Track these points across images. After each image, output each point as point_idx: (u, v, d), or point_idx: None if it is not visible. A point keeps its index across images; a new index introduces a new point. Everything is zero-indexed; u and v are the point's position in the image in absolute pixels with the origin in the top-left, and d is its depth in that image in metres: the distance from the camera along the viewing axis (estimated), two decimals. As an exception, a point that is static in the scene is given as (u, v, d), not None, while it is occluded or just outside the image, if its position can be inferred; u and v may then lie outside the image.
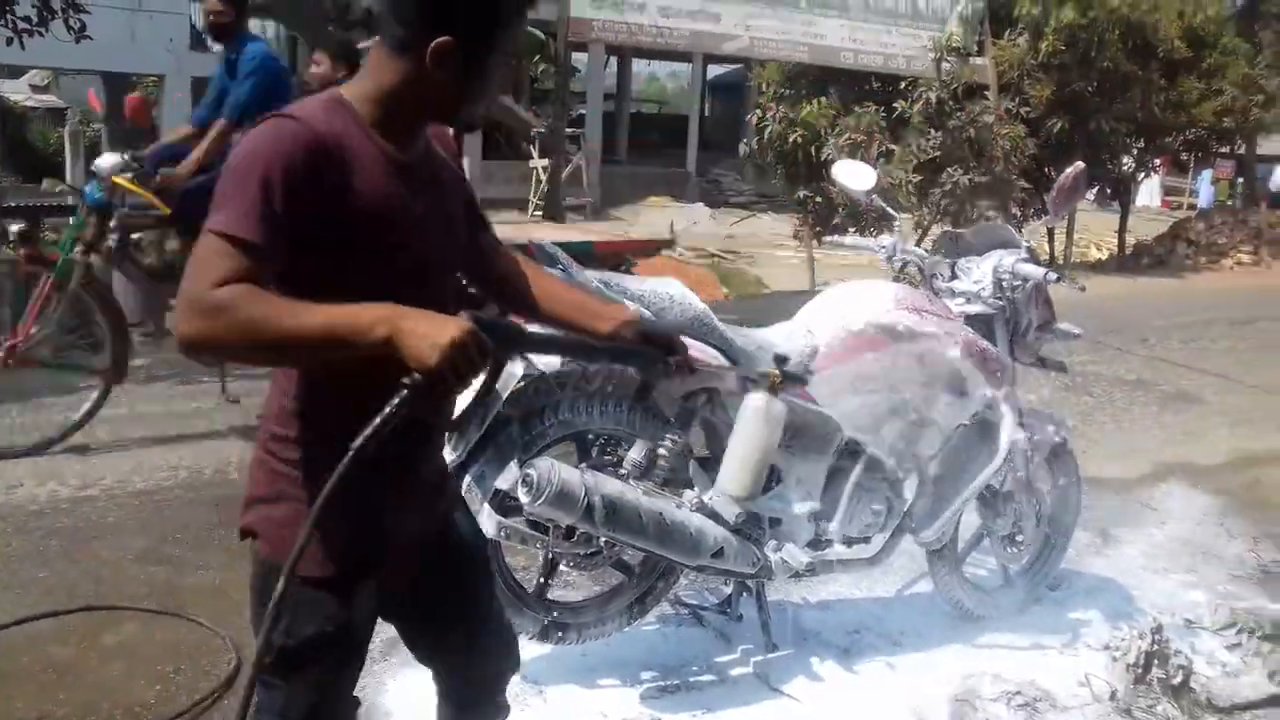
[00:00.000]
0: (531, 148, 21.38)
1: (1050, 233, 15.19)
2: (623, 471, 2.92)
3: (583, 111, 26.35)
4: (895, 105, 13.00)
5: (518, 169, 22.22)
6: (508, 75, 2.04)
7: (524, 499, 2.66)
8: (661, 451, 2.94)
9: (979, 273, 3.38)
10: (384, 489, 1.68)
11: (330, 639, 1.66)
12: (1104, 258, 18.42)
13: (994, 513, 3.60)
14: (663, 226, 21.89)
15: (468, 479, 2.79)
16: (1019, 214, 15.04)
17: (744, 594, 3.40)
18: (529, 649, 3.10)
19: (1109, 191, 16.89)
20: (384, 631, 3.28)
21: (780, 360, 2.65)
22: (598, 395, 2.94)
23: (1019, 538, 3.64)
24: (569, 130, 25.04)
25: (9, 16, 8.81)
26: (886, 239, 3.50)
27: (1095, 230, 20.47)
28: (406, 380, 1.42)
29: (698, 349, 2.81)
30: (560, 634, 3.07)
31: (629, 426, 2.96)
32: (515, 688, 3.02)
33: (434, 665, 2.01)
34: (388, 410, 1.43)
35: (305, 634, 1.63)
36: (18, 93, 22.24)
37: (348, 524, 1.61)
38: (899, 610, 3.73)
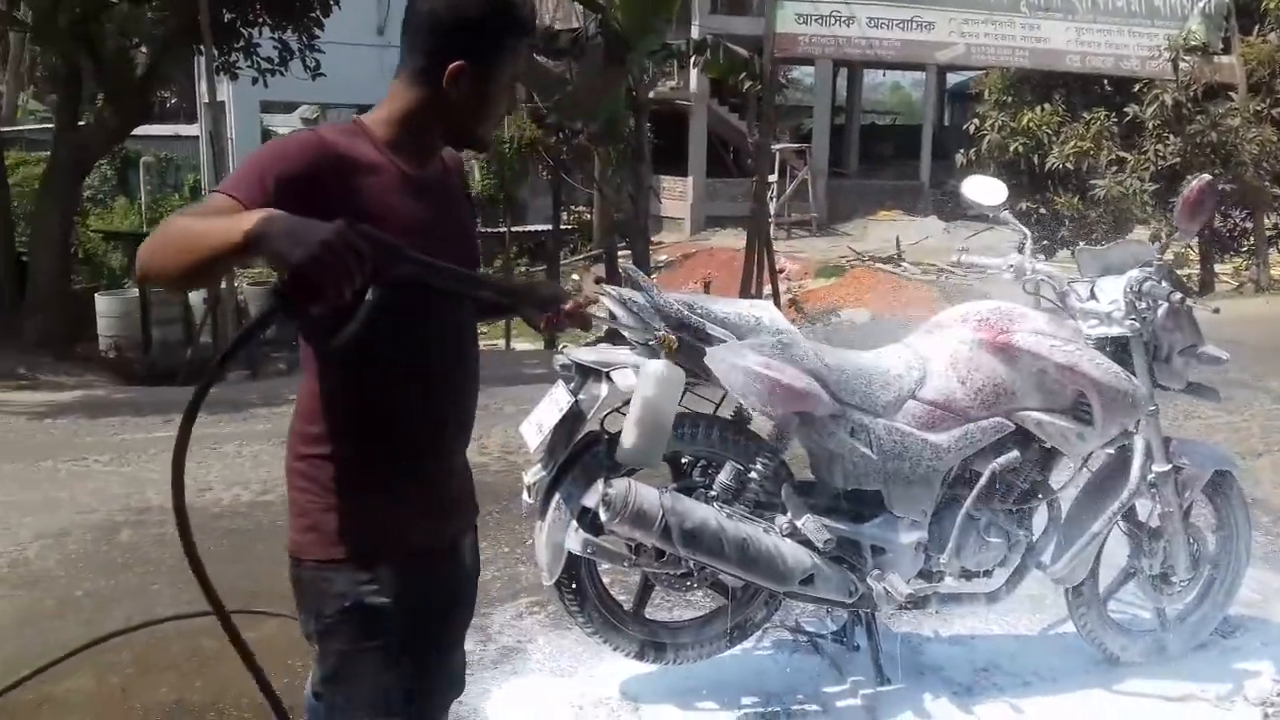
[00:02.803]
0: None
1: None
2: (712, 494, 2.92)
3: (811, 125, 26.20)
4: (1127, 110, 12.24)
5: (741, 186, 22.32)
6: (513, 98, 2.15)
7: (603, 517, 2.71)
8: (753, 475, 2.92)
9: (1115, 292, 3.16)
10: (399, 481, 1.82)
11: (356, 621, 1.78)
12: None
13: (1141, 549, 3.35)
14: (890, 241, 21.49)
15: (557, 496, 2.87)
16: (1276, 225, 13.87)
17: (859, 624, 3.31)
18: (630, 666, 3.16)
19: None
20: (496, 640, 3.45)
21: (677, 325, 2.55)
22: (689, 417, 2.95)
23: (1172, 578, 3.37)
24: (796, 146, 24.98)
25: (254, 57, 9.73)
26: (1016, 257, 3.32)
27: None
28: (276, 283, 1.43)
29: (775, 370, 2.79)
30: (656, 654, 3.09)
31: (720, 448, 2.95)
32: (612, 702, 3.09)
33: None
34: (257, 315, 1.47)
35: (331, 613, 1.80)
36: (287, 126, 24.28)
37: (360, 513, 1.78)
38: (1037, 649, 3.52)
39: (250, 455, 5.27)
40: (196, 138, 22.49)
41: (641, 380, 2.71)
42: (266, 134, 22.74)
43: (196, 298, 9.72)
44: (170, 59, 11.74)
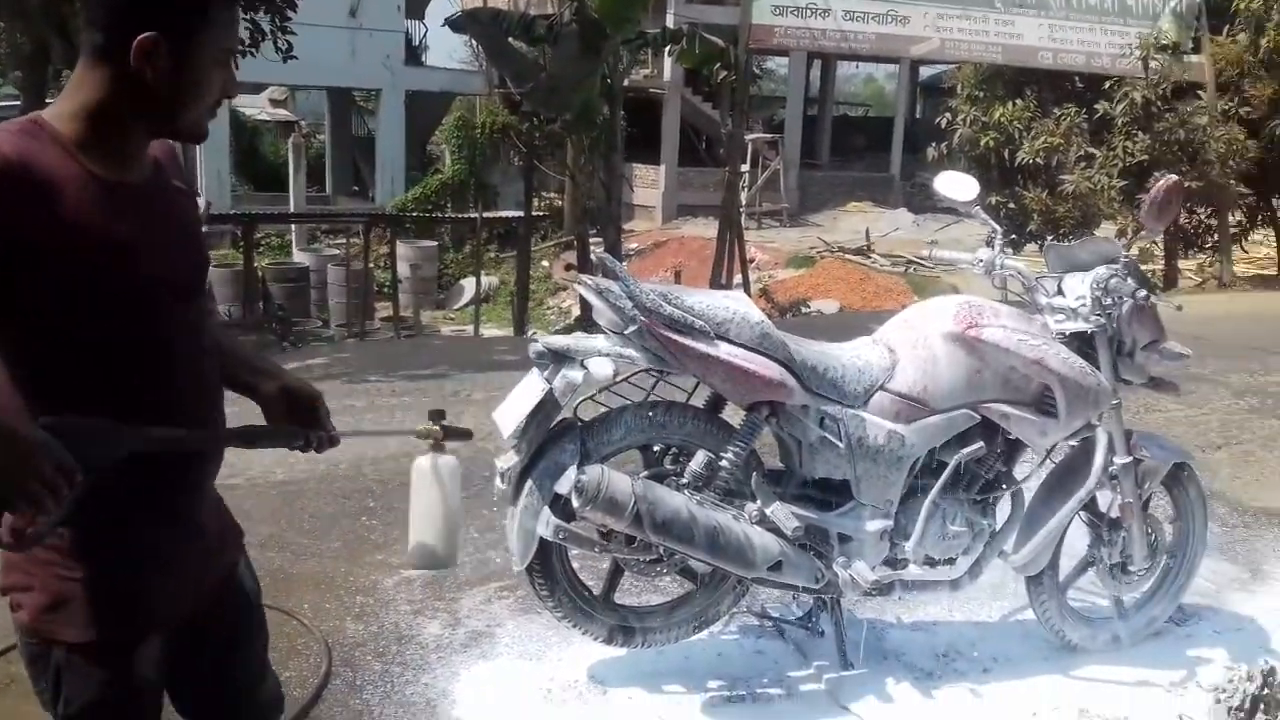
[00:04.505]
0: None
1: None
2: (683, 482, 2.96)
3: (783, 116, 26.24)
4: (1098, 107, 12.38)
5: (713, 175, 22.36)
6: (231, 80, 1.59)
7: (575, 503, 2.75)
8: (723, 463, 2.96)
9: (1081, 289, 3.23)
10: (153, 545, 1.60)
11: (112, 706, 1.58)
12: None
13: (1100, 539, 3.42)
14: (860, 233, 21.61)
15: (529, 483, 2.89)
16: (1244, 221, 14.10)
17: (824, 609, 3.37)
18: (598, 650, 3.20)
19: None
20: (465, 625, 3.48)
21: (437, 415, 2.62)
22: (661, 405, 2.99)
23: (1130, 567, 3.45)
24: (769, 136, 25.04)
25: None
26: (985, 252, 3.38)
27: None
28: None
29: (747, 359, 2.83)
30: (624, 638, 3.13)
31: (693, 437, 2.99)
32: (580, 685, 3.13)
33: None
34: None
35: (84, 702, 1.56)
36: (254, 107, 24.11)
37: (116, 585, 1.55)
38: (997, 636, 3.59)
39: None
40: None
41: (415, 482, 2.80)
42: (234, 114, 22.58)
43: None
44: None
